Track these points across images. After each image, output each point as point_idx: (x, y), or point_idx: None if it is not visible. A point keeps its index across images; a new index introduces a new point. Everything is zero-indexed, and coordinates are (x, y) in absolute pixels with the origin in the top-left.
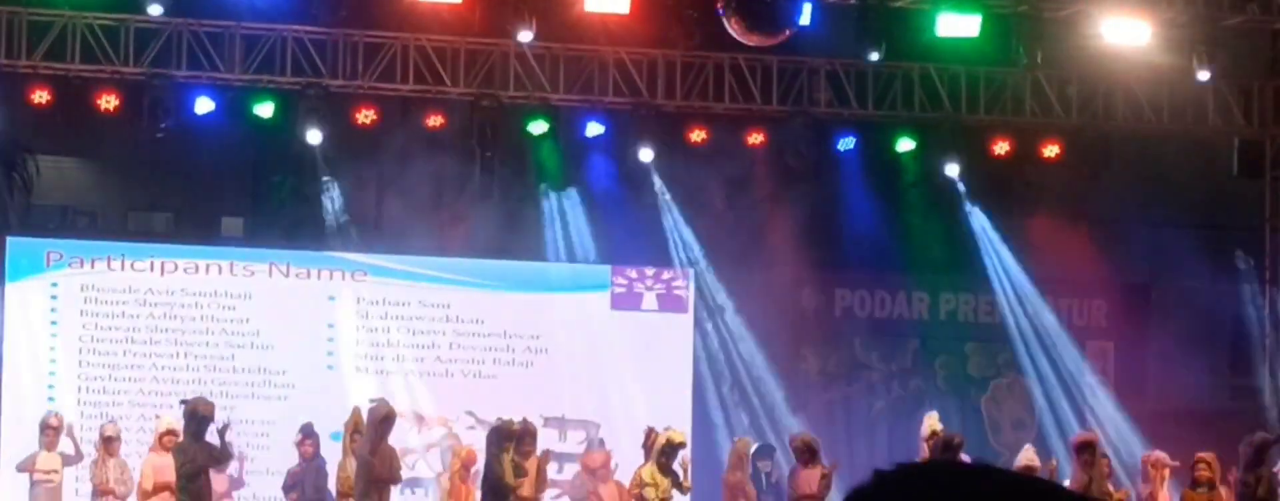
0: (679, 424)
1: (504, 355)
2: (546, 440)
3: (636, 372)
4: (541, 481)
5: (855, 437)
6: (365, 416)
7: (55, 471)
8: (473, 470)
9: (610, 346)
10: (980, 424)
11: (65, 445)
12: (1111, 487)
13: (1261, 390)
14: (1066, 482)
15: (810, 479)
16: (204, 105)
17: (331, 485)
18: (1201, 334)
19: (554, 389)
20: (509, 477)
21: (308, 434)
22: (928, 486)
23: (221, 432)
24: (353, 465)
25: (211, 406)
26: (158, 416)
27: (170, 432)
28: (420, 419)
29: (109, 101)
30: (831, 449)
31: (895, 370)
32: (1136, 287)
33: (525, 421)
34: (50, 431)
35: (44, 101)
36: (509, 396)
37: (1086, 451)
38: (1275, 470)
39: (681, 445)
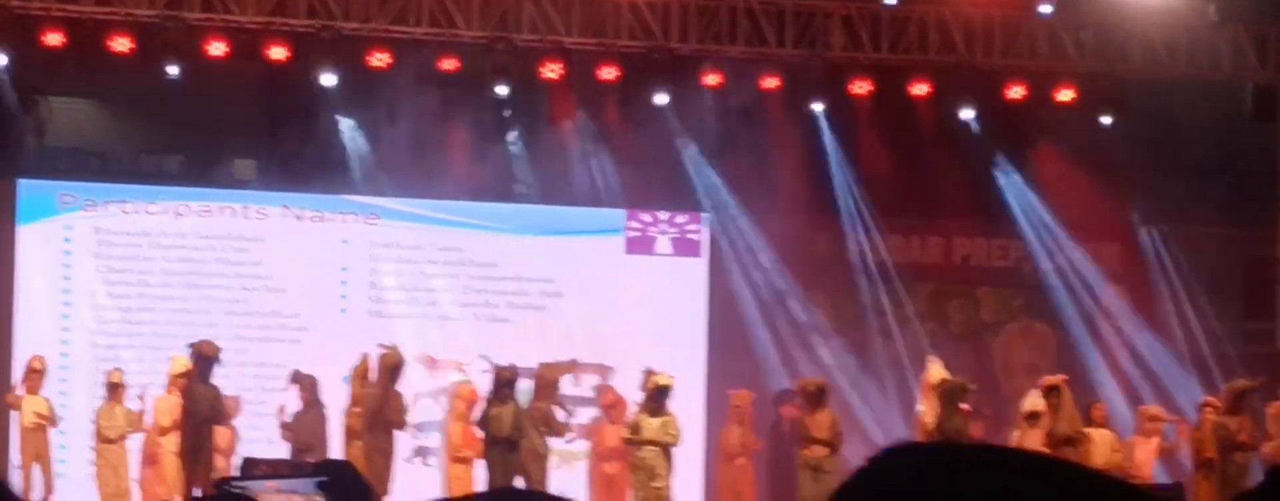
0: (692, 368)
1: (517, 299)
2: (560, 383)
3: (650, 317)
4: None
5: (868, 382)
6: (373, 363)
7: (44, 416)
8: (475, 408)
9: (624, 290)
10: (993, 369)
11: (46, 393)
12: (1114, 435)
13: (1273, 334)
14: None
15: (820, 423)
16: (217, 48)
17: (338, 430)
18: (1215, 278)
19: (567, 333)
20: (496, 429)
21: (295, 380)
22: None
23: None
24: (358, 410)
25: (217, 348)
26: (173, 357)
27: (185, 374)
28: (433, 362)
29: (122, 44)
30: (844, 393)
31: (908, 314)
32: (1151, 231)
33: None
34: (33, 375)
35: (57, 44)
36: (522, 340)
37: (1053, 394)
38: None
39: (668, 388)
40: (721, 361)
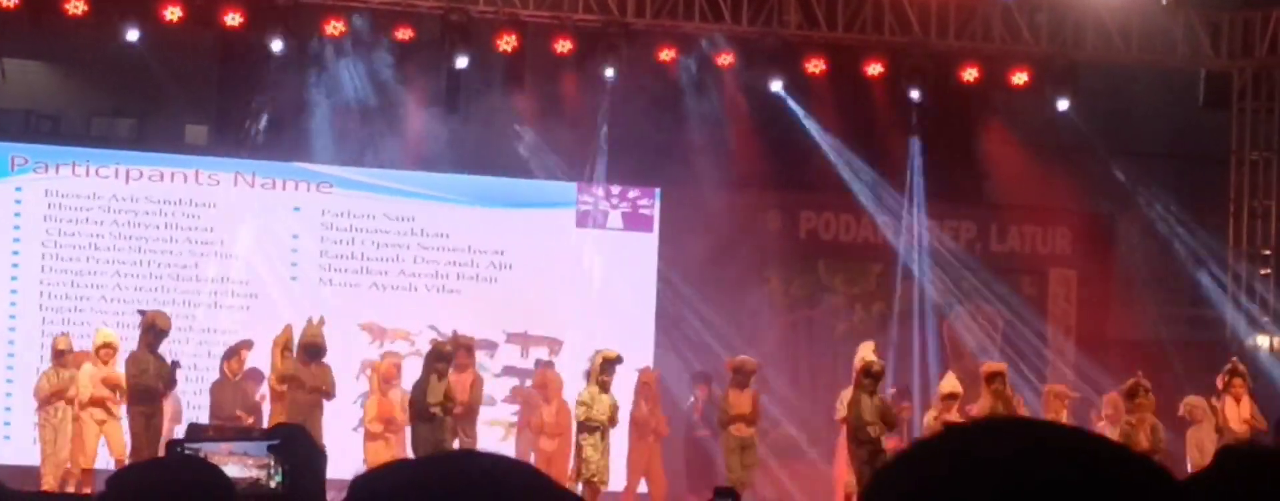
0: (641, 343)
1: (468, 270)
2: (509, 356)
3: (600, 291)
4: (475, 398)
5: (818, 360)
6: (297, 336)
7: None
8: (393, 384)
9: (574, 264)
10: (942, 350)
11: None
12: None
13: (1221, 321)
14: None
15: (743, 401)
16: (172, 13)
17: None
18: (1163, 264)
19: (517, 305)
20: (433, 398)
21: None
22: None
23: (173, 366)
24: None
25: (169, 321)
26: (98, 330)
27: (107, 346)
28: (382, 332)
29: (77, 6)
30: (794, 371)
31: (858, 294)
32: (1101, 216)
33: (454, 336)
34: None
35: (12, 4)
36: (472, 311)
37: (996, 380)
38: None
39: (617, 360)
40: (670, 336)
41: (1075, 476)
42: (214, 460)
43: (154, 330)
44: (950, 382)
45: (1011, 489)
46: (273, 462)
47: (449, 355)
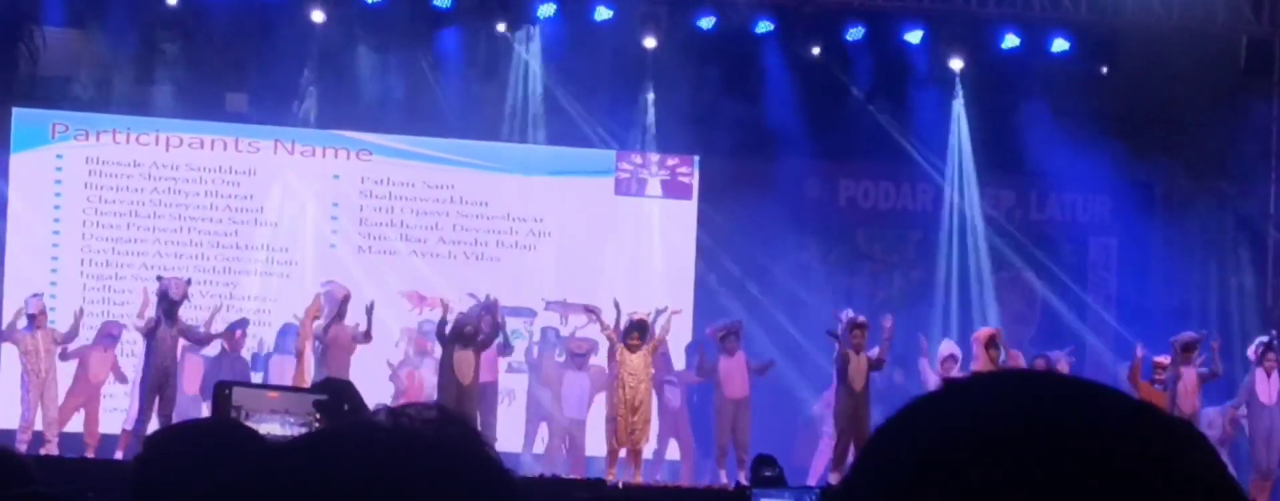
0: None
1: (507, 237)
2: (548, 323)
3: (639, 258)
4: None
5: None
6: (324, 300)
7: None
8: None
9: (613, 231)
10: (981, 317)
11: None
12: None
13: (1263, 290)
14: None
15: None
16: None
17: (291, 367)
18: (1203, 232)
19: (556, 273)
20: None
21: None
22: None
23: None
24: (309, 347)
25: (183, 286)
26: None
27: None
28: (421, 299)
29: None
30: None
31: (897, 261)
32: (1141, 184)
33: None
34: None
35: None
36: (511, 279)
37: (992, 346)
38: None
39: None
40: (709, 303)
41: (1081, 425)
42: (256, 413)
43: (165, 299)
44: (948, 345)
45: (1009, 440)
46: (316, 418)
47: (472, 335)
